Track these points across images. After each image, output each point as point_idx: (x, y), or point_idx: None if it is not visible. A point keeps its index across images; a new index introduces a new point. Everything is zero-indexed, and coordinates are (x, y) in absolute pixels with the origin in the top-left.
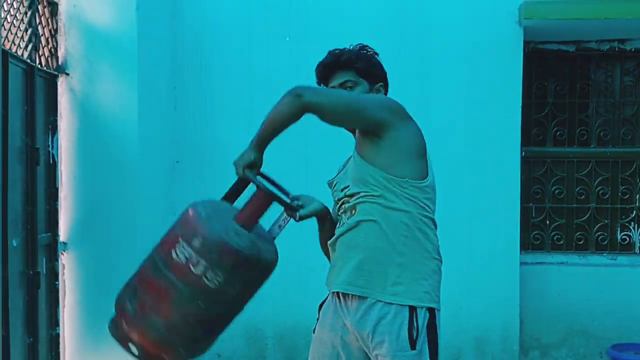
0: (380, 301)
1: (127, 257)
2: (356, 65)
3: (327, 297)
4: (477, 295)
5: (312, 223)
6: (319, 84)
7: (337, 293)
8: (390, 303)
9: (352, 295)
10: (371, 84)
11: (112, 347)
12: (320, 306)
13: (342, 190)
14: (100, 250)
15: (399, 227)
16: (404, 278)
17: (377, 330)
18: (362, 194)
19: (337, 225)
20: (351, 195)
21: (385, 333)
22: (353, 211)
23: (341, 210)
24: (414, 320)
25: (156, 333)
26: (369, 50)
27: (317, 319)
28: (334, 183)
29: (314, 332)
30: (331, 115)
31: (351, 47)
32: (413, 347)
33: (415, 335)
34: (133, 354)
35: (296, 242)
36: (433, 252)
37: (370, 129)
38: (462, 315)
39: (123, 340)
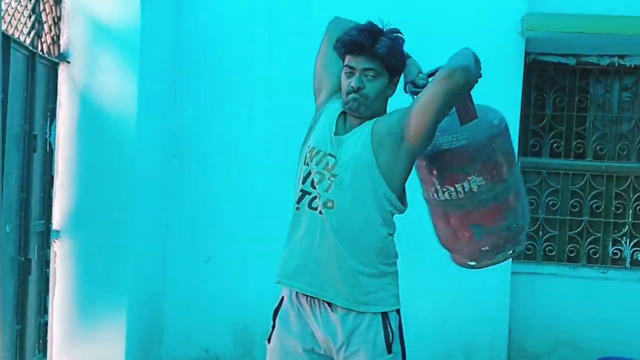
0: (353, 311)
1: (120, 248)
2: (386, 60)
3: (280, 302)
4: (467, 303)
5: None
6: (342, 54)
7: (301, 297)
8: (364, 312)
9: (321, 300)
10: (390, 77)
11: (100, 336)
12: (276, 312)
13: (330, 169)
14: (92, 240)
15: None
16: (373, 287)
17: (351, 340)
18: (354, 190)
19: (311, 203)
20: (331, 182)
21: (360, 342)
22: (330, 203)
23: (323, 192)
24: (388, 325)
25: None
26: (401, 36)
27: (273, 327)
28: (320, 151)
29: (268, 342)
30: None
31: (384, 30)
32: (389, 351)
33: (390, 339)
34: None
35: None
36: (395, 257)
37: (430, 131)
38: (452, 322)
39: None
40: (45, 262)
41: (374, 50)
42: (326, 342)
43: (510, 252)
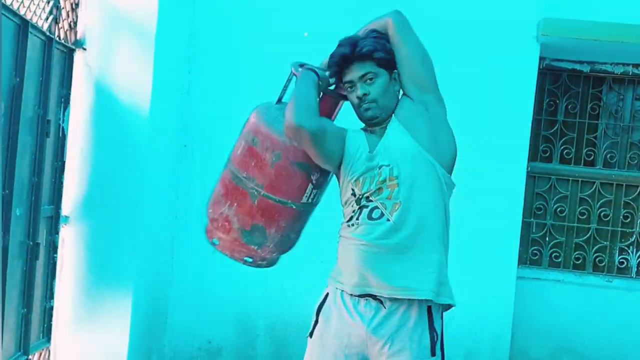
0: (403, 307)
1: (128, 236)
2: (375, 56)
3: (324, 298)
4: (471, 306)
5: (314, 217)
6: (335, 74)
7: (345, 296)
8: (417, 305)
9: (370, 298)
10: (389, 73)
11: (104, 322)
12: (319, 309)
13: (382, 176)
14: (101, 227)
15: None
16: (443, 277)
17: (396, 338)
18: (414, 182)
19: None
20: (395, 184)
21: (405, 340)
22: (396, 206)
23: (386, 200)
24: (433, 326)
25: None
26: (381, 35)
27: (315, 322)
28: (365, 173)
29: (310, 336)
30: (418, 49)
31: (362, 35)
32: (433, 353)
33: (435, 340)
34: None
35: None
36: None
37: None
38: (454, 324)
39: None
40: (53, 247)
41: (360, 54)
42: (368, 340)
43: None
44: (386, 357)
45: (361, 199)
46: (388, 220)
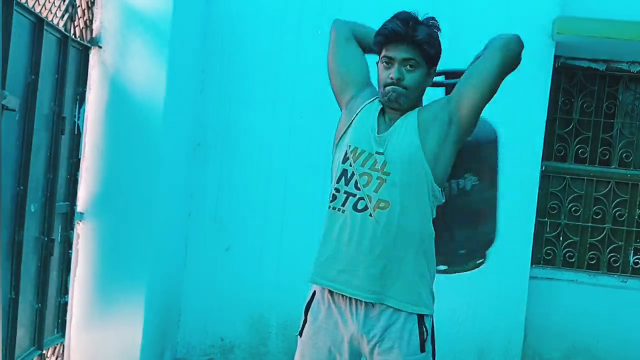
0: (391, 307)
1: (142, 233)
2: (425, 47)
3: (312, 296)
4: (483, 305)
5: (321, 217)
6: (378, 44)
7: (336, 295)
8: (401, 310)
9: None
10: (429, 67)
11: (117, 318)
12: (307, 307)
13: (379, 168)
14: (115, 224)
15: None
16: (421, 287)
17: (386, 336)
18: (407, 186)
19: (346, 202)
20: (383, 180)
21: (395, 339)
22: (382, 204)
23: (373, 193)
24: (423, 324)
25: None
26: (437, 26)
27: (304, 321)
28: (364, 151)
29: (300, 336)
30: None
31: (423, 20)
32: (422, 349)
33: (425, 337)
34: None
35: (306, 234)
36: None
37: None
38: (467, 323)
39: None
40: (67, 243)
41: (413, 38)
42: (359, 339)
43: (479, 261)
44: (377, 354)
45: (348, 178)
46: (370, 215)
